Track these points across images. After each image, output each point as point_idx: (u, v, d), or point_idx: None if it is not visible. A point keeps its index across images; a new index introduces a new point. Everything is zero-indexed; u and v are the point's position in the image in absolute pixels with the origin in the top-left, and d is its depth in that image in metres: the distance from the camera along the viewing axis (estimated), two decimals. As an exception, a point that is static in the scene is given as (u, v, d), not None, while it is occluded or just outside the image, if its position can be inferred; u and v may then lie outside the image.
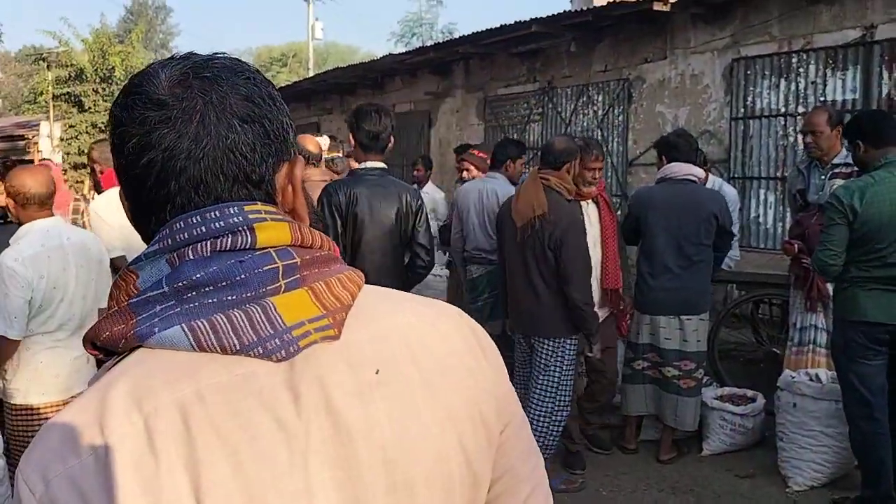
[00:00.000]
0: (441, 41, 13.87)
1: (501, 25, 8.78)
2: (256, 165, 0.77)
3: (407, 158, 10.83)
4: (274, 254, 0.73)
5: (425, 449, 0.74)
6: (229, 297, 0.71)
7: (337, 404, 0.71)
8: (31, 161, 22.16)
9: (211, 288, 0.71)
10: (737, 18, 7.21)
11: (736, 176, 7.19)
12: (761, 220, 7.20)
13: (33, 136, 24.49)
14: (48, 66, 24.21)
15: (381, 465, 0.72)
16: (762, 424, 4.49)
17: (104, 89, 23.03)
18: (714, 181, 5.35)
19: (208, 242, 0.72)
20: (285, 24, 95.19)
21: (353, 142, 3.61)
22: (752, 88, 7.19)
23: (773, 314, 5.78)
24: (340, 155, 6.19)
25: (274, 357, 0.70)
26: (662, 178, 4.32)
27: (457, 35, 12.15)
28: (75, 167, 22.69)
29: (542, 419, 3.86)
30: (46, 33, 24.41)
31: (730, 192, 5.30)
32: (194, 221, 0.73)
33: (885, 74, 6.22)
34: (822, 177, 4.31)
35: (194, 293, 0.71)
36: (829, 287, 4.10)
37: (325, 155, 4.84)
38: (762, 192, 7.18)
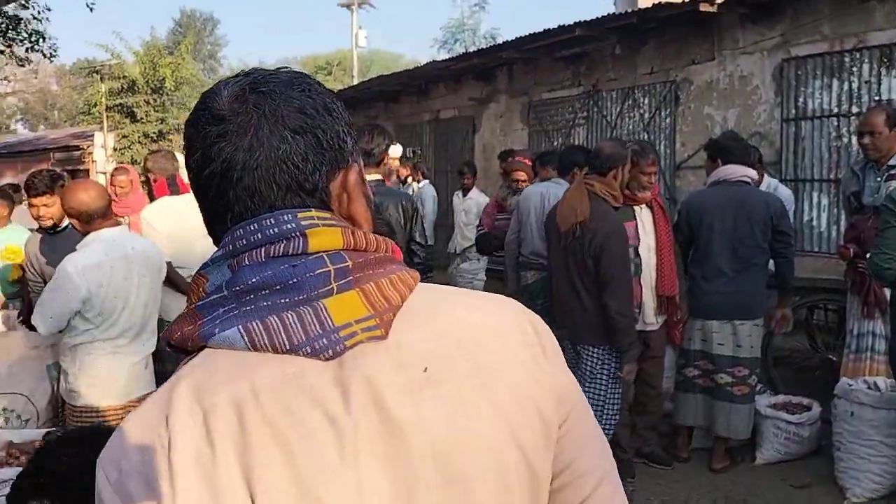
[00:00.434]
0: (484, 47, 13.90)
1: (545, 30, 8.75)
2: (309, 174, 0.80)
3: (452, 164, 10.86)
4: (326, 258, 0.77)
5: (479, 444, 0.76)
6: (283, 300, 0.75)
7: (386, 401, 0.73)
8: (87, 171, 22.85)
9: (266, 291, 0.75)
10: (786, 18, 7.07)
11: (788, 178, 7.04)
12: (815, 223, 7.04)
13: (88, 147, 25.24)
14: (101, 79, 24.88)
15: (432, 459, 0.74)
16: (818, 433, 4.38)
17: (155, 100, 23.59)
18: (769, 182, 5.25)
19: (263, 248, 0.77)
20: (330, 33, 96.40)
21: None
22: (803, 89, 7.04)
23: (828, 320, 5.63)
24: None
25: (322, 356, 0.73)
26: (716, 180, 4.24)
27: (500, 40, 12.15)
28: (129, 176, 23.19)
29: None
30: (99, 46, 25.07)
31: (785, 193, 5.19)
32: (252, 229, 0.78)
33: (944, 72, 6.03)
34: (878, 178, 4.19)
35: (251, 296, 0.75)
36: (887, 292, 3.98)
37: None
38: (815, 194, 7.02)
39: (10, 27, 16.14)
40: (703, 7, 7.14)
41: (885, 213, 3.36)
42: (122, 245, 3.31)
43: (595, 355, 3.83)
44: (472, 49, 14.64)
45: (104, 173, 21.77)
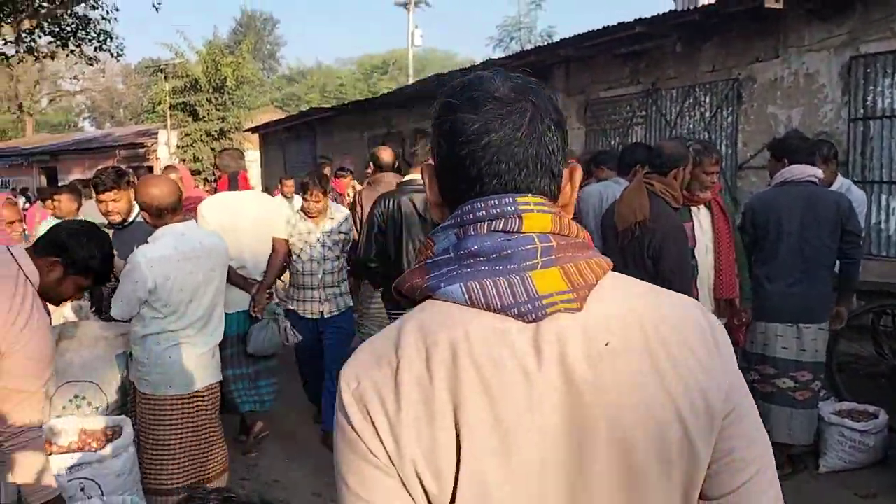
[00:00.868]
0: (540, 45, 13.82)
1: (604, 27, 8.67)
2: (558, 162, 0.97)
3: (507, 163, 10.81)
4: (535, 237, 0.92)
5: (645, 416, 0.88)
6: (497, 267, 0.90)
7: (571, 364, 0.87)
8: (151, 168, 23.51)
9: (484, 258, 0.91)
10: (856, 14, 6.85)
11: (855, 180, 6.81)
12: (883, 226, 6.81)
13: (152, 144, 25.98)
14: (165, 77, 25.52)
15: (603, 420, 0.87)
16: (884, 442, 4.25)
17: (217, 98, 24.09)
18: (842, 182, 5.05)
19: (486, 223, 0.93)
20: (385, 33, 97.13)
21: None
22: (872, 88, 6.82)
23: (896, 326, 5.46)
24: None
25: (525, 318, 0.88)
26: (783, 181, 4.15)
27: (556, 38, 12.08)
28: (191, 173, 23.77)
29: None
30: (164, 46, 25.73)
31: (858, 194, 4.99)
32: (479, 206, 0.94)
33: None
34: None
35: (472, 261, 0.92)
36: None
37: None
38: (884, 196, 6.79)
39: (80, 27, 16.72)
40: (769, 4, 6.96)
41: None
42: (191, 240, 3.41)
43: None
44: (527, 47, 14.56)
45: (167, 170, 22.24)
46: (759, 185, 7.11)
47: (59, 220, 5.77)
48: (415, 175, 4.38)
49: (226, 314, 3.75)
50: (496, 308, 0.88)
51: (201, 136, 24.01)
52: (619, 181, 4.90)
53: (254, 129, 22.73)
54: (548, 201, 0.96)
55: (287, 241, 4.84)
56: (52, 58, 17.75)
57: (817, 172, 4.15)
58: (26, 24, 15.20)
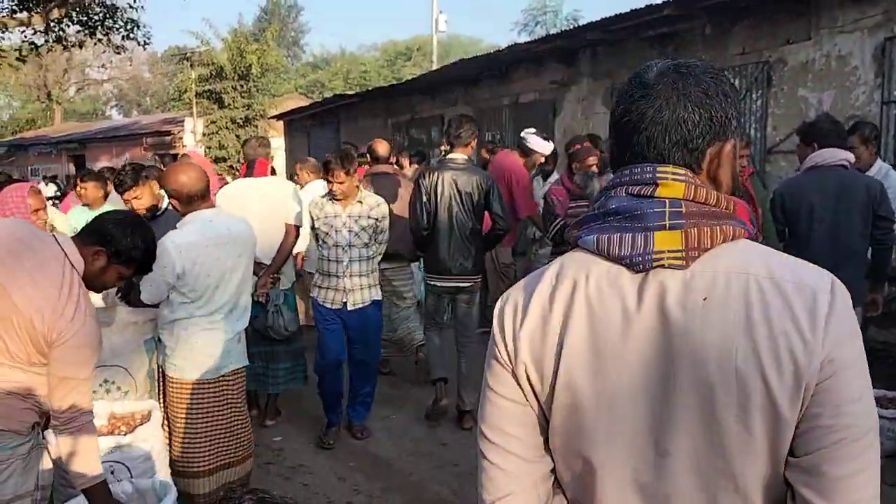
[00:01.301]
0: (566, 28, 13.67)
1: (632, 10, 8.54)
2: (695, 137, 1.10)
3: (531, 148, 10.74)
4: (667, 202, 1.07)
5: (728, 367, 1.00)
6: (627, 224, 1.08)
7: (668, 309, 1.04)
8: (176, 156, 23.72)
9: (619, 216, 1.10)
10: (891, -6, 6.69)
11: (888, 164, 6.69)
12: (916, 211, 6.67)
13: (178, 132, 26.18)
14: (191, 65, 25.69)
15: (690, 362, 1.02)
16: (916, 430, 4.18)
17: (242, 86, 24.21)
18: (881, 166, 4.89)
19: (626, 187, 1.11)
20: (410, 18, 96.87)
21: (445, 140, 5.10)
22: (906, 70, 6.66)
23: (929, 313, 5.35)
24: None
25: (635, 268, 1.07)
26: (812, 165, 4.06)
27: (582, 22, 11.94)
28: (216, 160, 23.98)
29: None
30: (190, 34, 25.87)
31: None
32: (625, 173, 1.13)
33: None
34: None
35: (611, 218, 1.11)
36: None
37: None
38: (917, 180, 6.64)
39: (108, 16, 16.84)
40: (800, -16, 6.82)
41: None
42: (219, 226, 3.43)
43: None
44: (553, 31, 14.42)
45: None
46: (788, 169, 6.99)
47: (86, 207, 5.87)
48: (456, 154, 4.87)
49: None
50: (614, 257, 1.08)
51: (226, 123, 24.16)
52: None
53: (278, 117, 22.81)
54: (687, 172, 1.10)
55: (298, 227, 4.84)
56: (81, 46, 17.91)
57: (848, 156, 4.06)
58: (55, 14, 15.34)
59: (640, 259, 1.05)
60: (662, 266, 1.04)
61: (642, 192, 1.09)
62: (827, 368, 0.98)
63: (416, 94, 15.27)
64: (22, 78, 37.24)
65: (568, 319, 1.09)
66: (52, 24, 15.93)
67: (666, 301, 1.04)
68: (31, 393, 2.37)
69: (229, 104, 24.15)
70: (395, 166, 7.00)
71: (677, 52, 9.01)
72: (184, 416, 3.46)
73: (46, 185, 18.29)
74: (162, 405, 3.58)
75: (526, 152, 6.77)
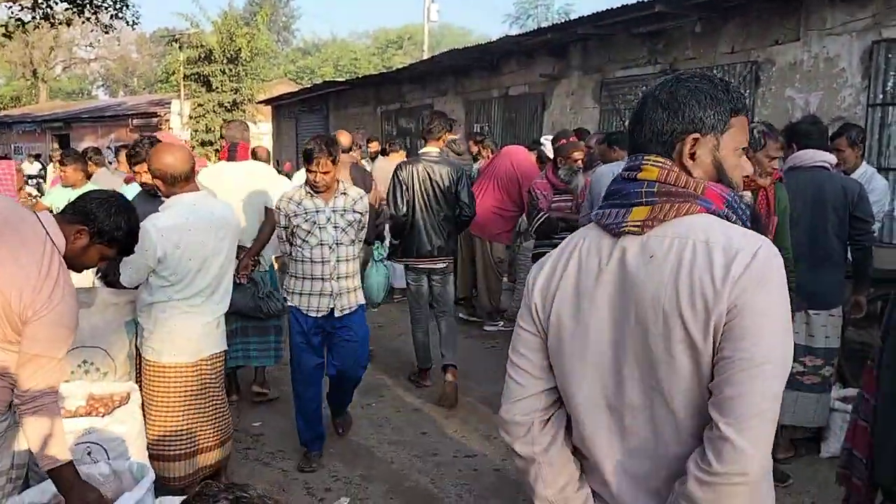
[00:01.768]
0: (557, 22, 13.66)
1: (623, 5, 8.55)
2: (664, 133, 1.43)
3: (520, 142, 10.77)
4: (645, 183, 1.42)
5: (657, 308, 1.33)
6: (617, 202, 1.45)
7: (627, 264, 1.39)
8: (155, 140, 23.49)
9: (615, 196, 1.46)
10: (880, -3, 6.73)
11: (873, 167, 6.75)
12: (898, 213, 6.74)
13: (165, 114, 25.94)
14: (180, 47, 25.43)
15: (636, 304, 1.37)
16: (890, 430, 4.23)
17: (231, 69, 23.99)
18: (866, 170, 4.91)
19: (623, 173, 1.47)
20: (401, 6, 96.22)
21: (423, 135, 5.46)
22: (893, 73, 6.71)
23: (906, 314, 5.39)
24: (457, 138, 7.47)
25: (611, 233, 1.44)
26: (792, 166, 4.09)
27: (573, 16, 11.91)
28: (202, 143, 23.79)
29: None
30: (180, 15, 25.62)
31: (880, 184, 4.86)
32: (627, 162, 1.49)
33: None
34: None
35: (611, 197, 1.47)
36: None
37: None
38: (900, 184, 6.71)
39: (96, -5, 16.64)
40: (790, -15, 6.85)
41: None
42: (202, 210, 3.40)
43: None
44: (544, 25, 14.40)
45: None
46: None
47: (67, 188, 5.83)
48: (429, 148, 5.33)
49: None
50: (602, 225, 1.45)
51: (214, 107, 23.97)
52: None
53: (267, 102, 22.68)
54: (666, 160, 1.42)
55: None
56: (68, 25, 17.71)
57: (828, 158, 4.07)
58: (42, -10, 15.14)
59: (615, 226, 1.42)
60: (625, 232, 1.40)
61: (630, 175, 1.45)
62: (732, 311, 1.27)
63: (406, 82, 15.22)
64: (8, 55, 36.74)
65: (564, 272, 1.48)
66: (39, 1, 15.73)
67: (626, 258, 1.39)
68: (6, 372, 2.34)
69: (217, 87, 23.95)
70: (355, 156, 7.43)
71: (667, 49, 9.04)
72: (160, 399, 3.44)
73: (32, 163, 18.10)
74: (140, 387, 3.56)
75: (544, 161, 6.82)
